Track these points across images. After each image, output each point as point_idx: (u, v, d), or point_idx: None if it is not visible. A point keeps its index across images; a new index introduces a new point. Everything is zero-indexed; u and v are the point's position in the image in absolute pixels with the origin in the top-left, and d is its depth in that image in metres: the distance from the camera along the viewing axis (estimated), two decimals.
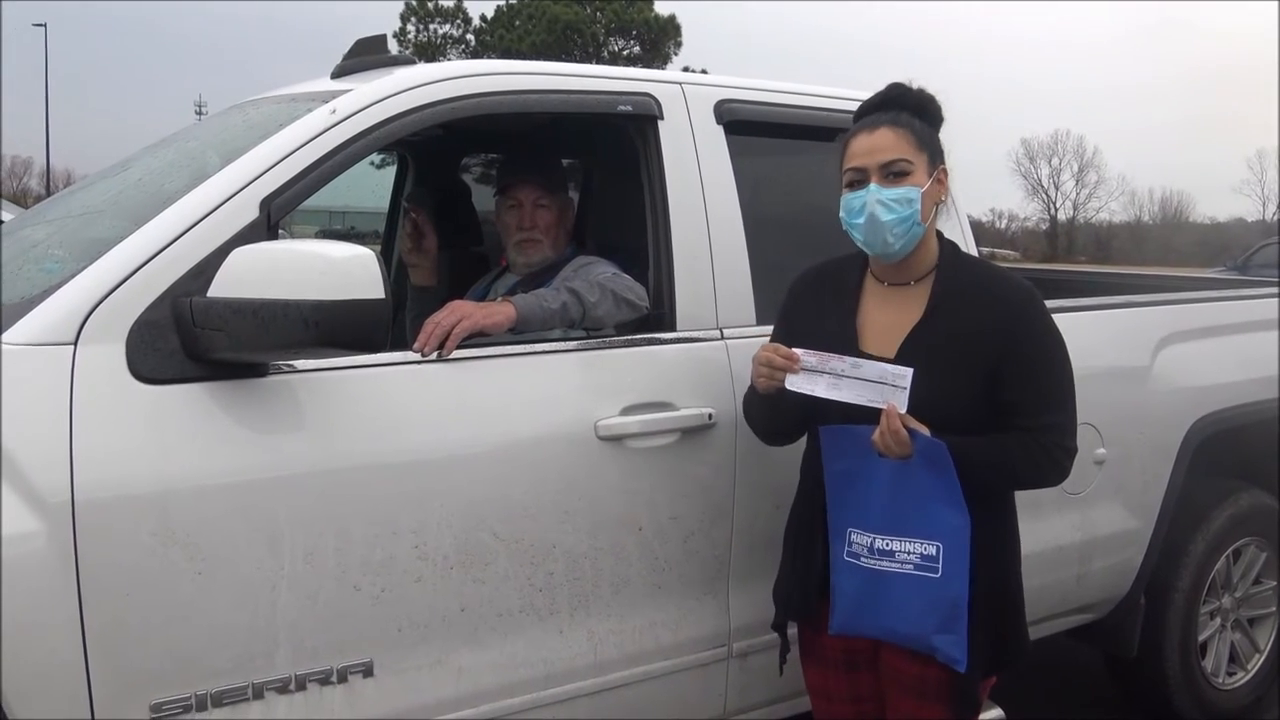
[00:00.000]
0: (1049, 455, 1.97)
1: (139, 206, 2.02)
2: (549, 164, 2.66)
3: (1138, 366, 3.00)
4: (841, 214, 2.04)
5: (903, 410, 1.90)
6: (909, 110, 2.04)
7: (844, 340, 2.04)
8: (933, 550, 1.92)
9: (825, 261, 2.20)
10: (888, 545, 1.95)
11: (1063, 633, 3.11)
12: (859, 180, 2.01)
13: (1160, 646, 3.17)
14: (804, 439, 2.19)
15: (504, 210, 2.63)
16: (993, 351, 1.96)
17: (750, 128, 2.52)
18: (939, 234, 2.11)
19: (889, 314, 2.06)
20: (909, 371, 1.90)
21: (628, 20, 36.45)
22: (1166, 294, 3.44)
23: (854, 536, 1.99)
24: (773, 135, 2.62)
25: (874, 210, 1.96)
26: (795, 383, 1.99)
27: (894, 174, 1.98)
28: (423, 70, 2.21)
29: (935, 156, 2.04)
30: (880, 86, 2.16)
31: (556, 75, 2.37)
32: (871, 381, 1.92)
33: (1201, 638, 3.29)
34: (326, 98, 2.10)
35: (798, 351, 1.99)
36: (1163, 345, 3.07)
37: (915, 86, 2.08)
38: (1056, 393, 2.00)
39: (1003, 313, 1.98)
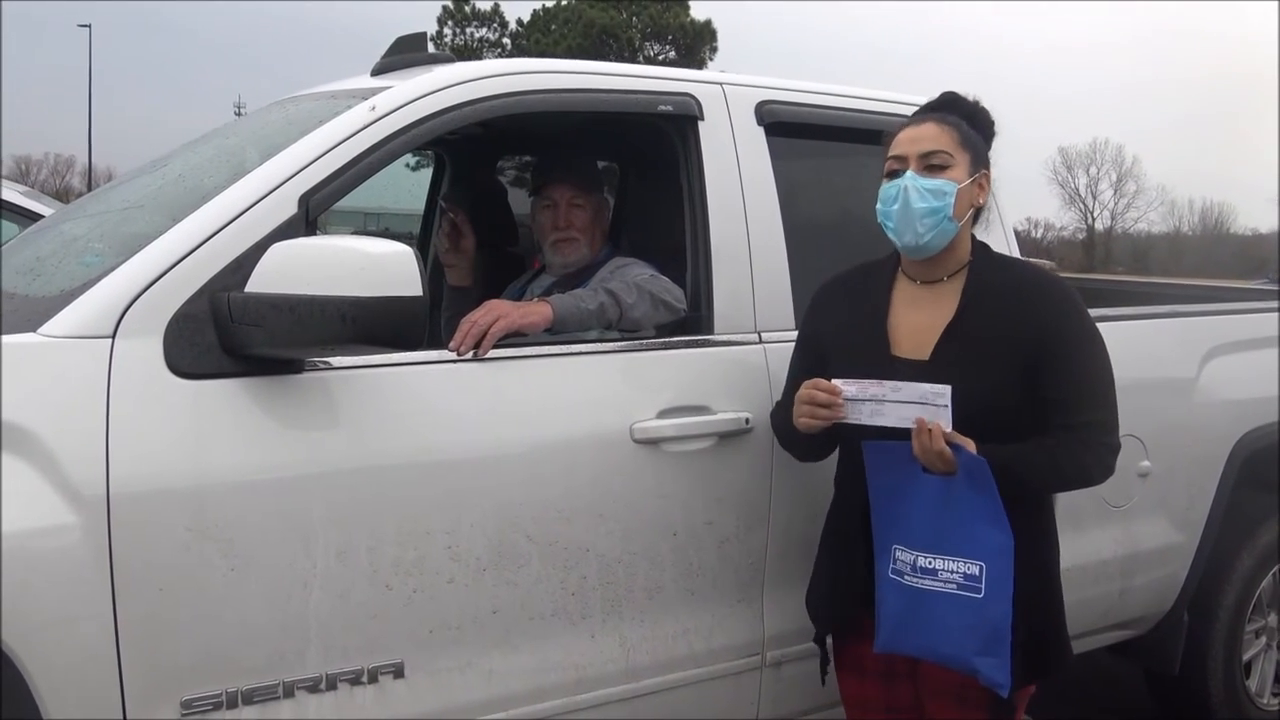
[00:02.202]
0: (1094, 453, 1.95)
1: (178, 202, 2.02)
2: (583, 164, 2.64)
3: (1183, 378, 2.94)
4: (877, 204, 2.03)
5: (948, 429, 1.86)
6: (959, 114, 2.05)
7: (875, 344, 2.02)
8: (975, 570, 1.88)
9: (849, 270, 2.18)
10: (930, 564, 1.92)
11: (1103, 649, 3.05)
12: (898, 169, 2.01)
13: (1203, 664, 3.10)
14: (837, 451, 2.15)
15: (539, 210, 2.61)
16: (1029, 347, 1.93)
17: (791, 129, 2.49)
18: (972, 236, 2.09)
19: (921, 313, 2.03)
20: (947, 389, 1.86)
21: (663, 25, 36.48)
22: (1214, 304, 3.37)
23: (898, 553, 1.96)
24: (814, 137, 2.59)
25: (908, 196, 1.95)
26: (842, 416, 1.95)
27: (934, 165, 1.98)
28: (462, 68, 2.20)
29: (979, 160, 2.04)
30: (919, 91, 2.15)
31: (596, 74, 2.36)
32: (913, 403, 1.90)
33: (1246, 656, 3.21)
34: (366, 95, 2.10)
35: (837, 383, 1.96)
36: (1209, 357, 3.01)
37: (971, 98, 2.09)
38: (1097, 388, 1.96)
39: (1038, 309, 1.96)
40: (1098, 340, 2.00)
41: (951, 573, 1.90)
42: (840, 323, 2.11)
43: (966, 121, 2.04)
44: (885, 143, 2.08)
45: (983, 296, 1.99)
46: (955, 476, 1.88)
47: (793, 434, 2.11)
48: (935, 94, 2.16)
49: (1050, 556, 2.05)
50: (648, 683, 2.18)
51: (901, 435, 1.91)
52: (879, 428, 1.93)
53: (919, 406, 1.88)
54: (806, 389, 1.99)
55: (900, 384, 1.91)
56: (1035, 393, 1.93)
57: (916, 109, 2.14)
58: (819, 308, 2.18)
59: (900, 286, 2.09)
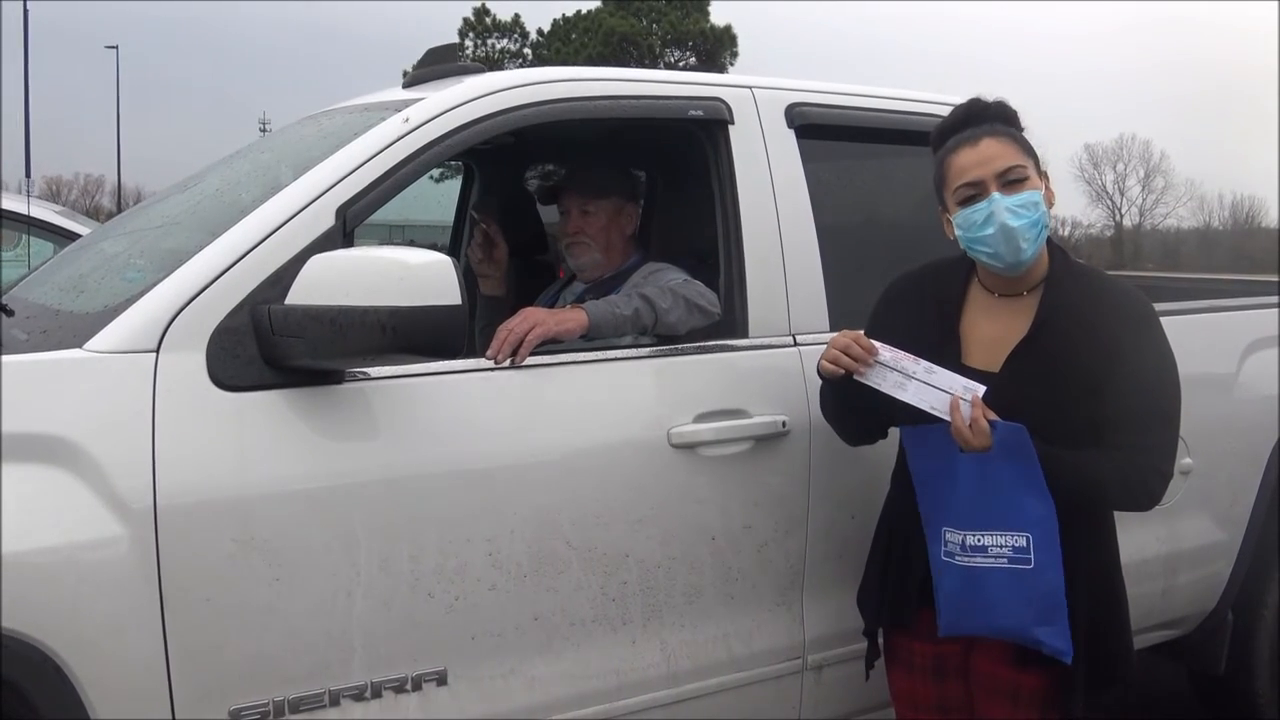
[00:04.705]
0: (1141, 477, 1.91)
1: (217, 217, 2.04)
2: (593, 171, 2.62)
3: (1224, 374, 2.90)
4: (960, 233, 1.97)
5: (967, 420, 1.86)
6: (999, 120, 1.99)
7: (945, 352, 1.99)
8: (1023, 541, 1.88)
9: (923, 266, 2.15)
10: (979, 541, 1.91)
11: (1146, 649, 3.01)
12: (976, 194, 1.93)
13: (1249, 665, 3.05)
14: (889, 440, 2.14)
15: (559, 219, 2.63)
16: (1099, 366, 1.90)
17: (822, 131, 2.48)
18: (1049, 242, 2.05)
19: (995, 326, 2.00)
20: (982, 388, 1.87)
21: (683, 31, 36.51)
22: (1253, 298, 3.32)
23: (948, 535, 1.96)
24: (845, 139, 2.58)
25: (1003, 219, 1.89)
26: (864, 374, 1.97)
27: (1012, 181, 1.92)
28: (493, 78, 2.21)
29: (1036, 161, 1.98)
30: (935, 91, 2.09)
31: (627, 81, 2.36)
32: (940, 390, 1.90)
33: None
34: (399, 107, 2.11)
35: (876, 344, 1.97)
36: (1250, 351, 2.97)
37: (992, 99, 2.03)
38: (1157, 414, 1.92)
39: (1113, 327, 1.93)
40: (1169, 365, 1.95)
41: (1001, 547, 1.90)
42: (911, 322, 2.07)
43: (1004, 123, 1.99)
44: (943, 171, 1.99)
45: (1058, 313, 1.95)
46: (991, 451, 1.87)
47: (832, 410, 2.12)
48: (936, 87, 2.11)
49: (1111, 571, 2.03)
50: (688, 687, 2.17)
51: (928, 418, 1.92)
52: (908, 414, 1.95)
53: (946, 395, 1.89)
54: (845, 337, 1.99)
55: (935, 367, 1.92)
56: (1096, 409, 1.90)
57: (942, 124, 2.05)
58: (890, 305, 2.14)
59: (975, 294, 2.06)
